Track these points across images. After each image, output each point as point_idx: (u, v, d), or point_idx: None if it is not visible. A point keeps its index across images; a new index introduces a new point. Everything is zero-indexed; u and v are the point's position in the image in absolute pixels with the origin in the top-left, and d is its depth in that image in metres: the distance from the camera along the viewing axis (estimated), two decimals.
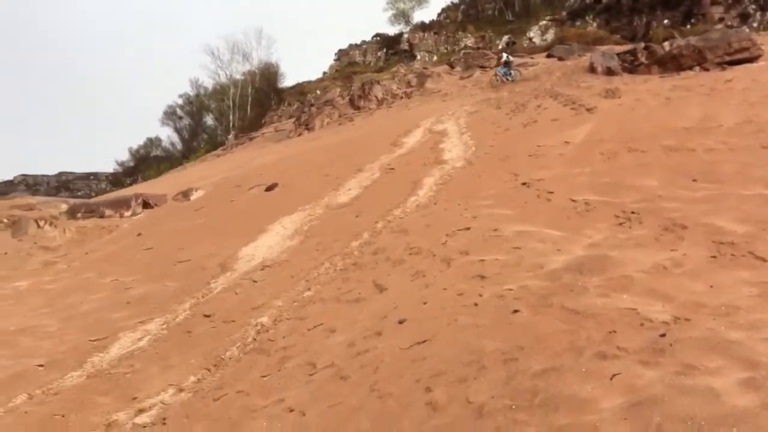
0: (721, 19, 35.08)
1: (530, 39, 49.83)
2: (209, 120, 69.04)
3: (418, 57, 53.87)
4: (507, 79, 29.60)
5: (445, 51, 53.38)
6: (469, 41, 53.44)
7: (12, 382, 7.77)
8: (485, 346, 5.31)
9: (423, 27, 59.97)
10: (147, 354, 8.18)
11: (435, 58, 52.24)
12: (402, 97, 34.78)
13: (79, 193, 65.31)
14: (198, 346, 8.03)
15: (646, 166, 10.99)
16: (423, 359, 5.53)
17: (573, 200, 9.77)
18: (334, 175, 17.33)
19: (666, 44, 23.39)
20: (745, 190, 8.65)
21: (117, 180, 69.96)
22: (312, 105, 39.77)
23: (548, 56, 35.77)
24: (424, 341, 5.87)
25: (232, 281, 10.52)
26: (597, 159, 12.19)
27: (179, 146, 69.49)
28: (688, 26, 35.56)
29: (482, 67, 35.90)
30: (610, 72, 23.96)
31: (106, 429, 6.26)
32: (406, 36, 58.66)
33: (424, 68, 41.35)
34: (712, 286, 5.74)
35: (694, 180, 9.62)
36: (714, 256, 6.56)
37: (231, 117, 59.41)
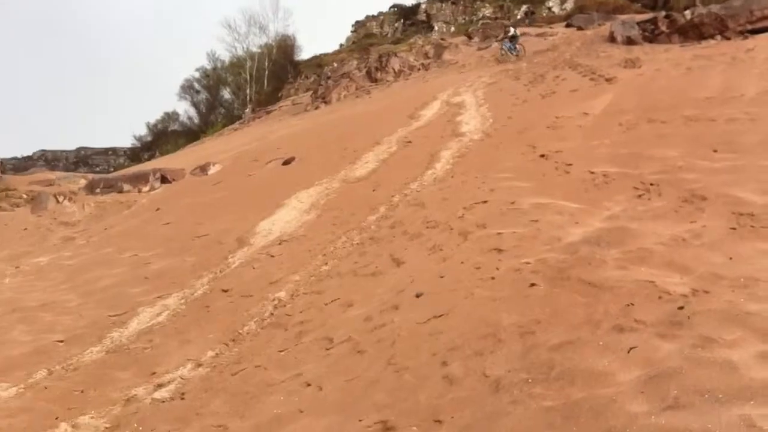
0: None
1: (549, 8, 49.20)
2: (226, 94, 68.90)
3: (436, 28, 53.38)
4: (512, 54, 29.16)
5: (463, 22, 52.86)
6: (488, 11, 52.87)
7: (32, 357, 7.88)
8: (502, 319, 5.29)
9: None
10: (165, 329, 8.25)
11: (453, 29, 51.76)
12: (419, 69, 34.58)
13: (98, 168, 65.53)
14: (216, 321, 8.09)
15: (666, 136, 10.86)
16: (440, 333, 5.52)
17: (591, 172, 9.68)
18: (351, 149, 17.27)
19: (687, 13, 23.07)
20: (766, 161, 8.52)
21: (135, 155, 70.09)
22: (329, 78, 39.62)
23: (567, 26, 35.40)
24: (441, 315, 5.87)
25: (249, 256, 10.56)
26: (616, 130, 12.06)
27: (196, 120, 69.40)
28: None
29: (498, 37, 35.58)
30: (630, 41, 23.68)
31: (125, 404, 6.32)
32: (423, 6, 58.10)
33: (442, 39, 41.06)
34: (731, 258, 5.68)
35: (715, 150, 9.49)
36: (733, 228, 6.49)
37: (248, 91, 59.28)
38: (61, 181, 22.79)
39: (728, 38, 20.86)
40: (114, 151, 77.69)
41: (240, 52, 62.57)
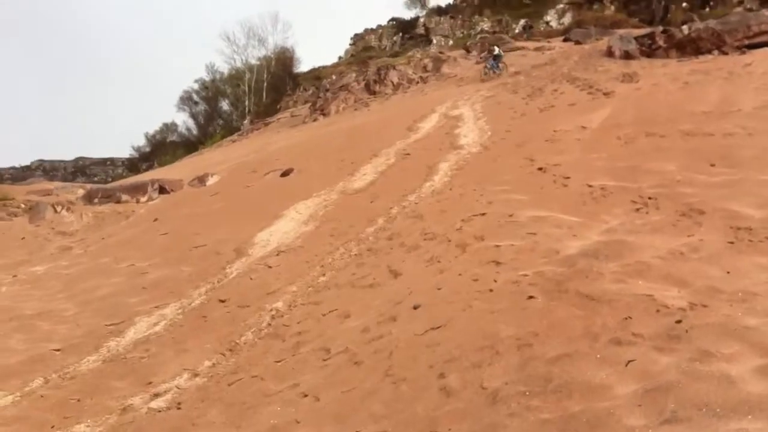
0: (740, 2, 34.77)
1: (547, 22, 49.51)
2: (225, 105, 69.13)
3: (434, 41, 53.64)
4: (495, 72, 29.26)
5: (462, 35, 53.14)
6: (486, 25, 53.16)
7: (28, 365, 7.86)
8: (500, 331, 5.29)
9: (439, 11, 59.72)
10: (162, 339, 8.24)
11: (451, 42, 52.04)
12: (418, 82, 34.69)
13: (96, 179, 65.64)
14: (213, 331, 8.08)
15: (664, 150, 10.90)
16: (437, 345, 5.52)
17: (589, 185, 9.70)
18: (350, 161, 17.30)
19: (684, 27, 23.21)
20: (763, 175, 8.56)
21: (133, 165, 70.18)
22: (327, 90, 39.69)
23: (565, 40, 35.65)
24: (439, 327, 5.87)
25: (247, 266, 10.55)
26: (614, 144, 12.10)
27: (195, 132, 69.56)
28: (707, 9, 35.26)
29: (482, 56, 35.71)
30: (627, 56, 23.79)
31: (121, 413, 6.31)
32: (422, 20, 58.44)
33: (440, 53, 41.22)
34: (729, 272, 5.69)
35: (712, 165, 9.53)
36: (731, 242, 6.51)
37: (247, 102, 59.46)
38: (59, 190, 22.76)
39: (725, 53, 20.98)
40: (112, 161, 77.79)
41: (239, 64, 62.80)
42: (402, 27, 61.23)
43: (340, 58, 62.85)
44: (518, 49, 35.66)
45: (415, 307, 6.62)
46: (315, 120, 35.13)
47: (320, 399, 5.40)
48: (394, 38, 60.96)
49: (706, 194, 8.17)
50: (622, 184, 9.48)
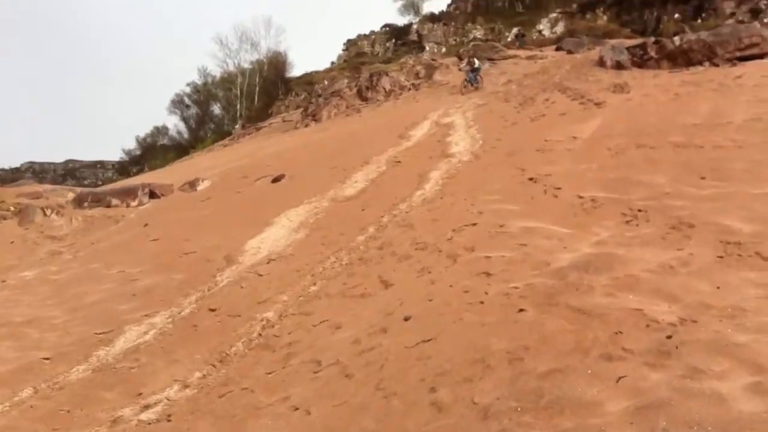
0: (732, 15, 34.93)
1: (540, 31, 49.67)
2: (216, 109, 69.10)
3: (427, 48, 53.69)
4: (473, 86, 29.03)
5: (455, 43, 53.22)
6: (479, 33, 53.28)
7: (18, 375, 7.81)
8: (491, 345, 5.30)
9: (432, 18, 59.76)
10: (152, 348, 8.20)
11: (444, 49, 52.10)
12: (410, 89, 34.71)
13: (86, 182, 65.49)
14: (203, 341, 8.05)
15: (655, 162, 10.94)
16: (428, 358, 5.52)
17: (580, 196, 9.73)
18: (341, 167, 17.30)
19: (676, 39, 23.29)
20: (753, 188, 8.60)
21: (123, 168, 70.05)
22: (319, 95, 39.72)
23: (557, 49, 35.74)
24: (430, 339, 5.87)
25: (237, 274, 10.52)
26: (605, 155, 12.14)
27: (186, 135, 69.47)
28: (699, 21, 35.42)
29: (491, 59, 35.71)
30: (619, 66, 23.86)
31: (111, 425, 6.27)
32: (415, 27, 58.49)
33: (433, 60, 41.29)
34: (718, 287, 5.72)
35: (703, 178, 9.57)
36: (721, 256, 6.53)
37: (238, 106, 59.43)
38: (48, 193, 22.62)
39: (717, 65, 21.07)
40: (102, 164, 77.60)
41: (231, 68, 62.72)
42: (395, 33, 61.31)
43: (332, 63, 62.84)
44: (510, 57, 35.76)
45: (406, 319, 6.61)
46: (307, 125, 35.10)
47: (311, 413, 5.38)
48: (387, 44, 61.04)
49: (696, 207, 8.20)
50: (612, 195, 9.52)
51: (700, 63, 21.61)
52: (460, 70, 32.50)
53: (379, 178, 15.37)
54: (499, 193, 11.02)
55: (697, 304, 5.37)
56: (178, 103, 70.68)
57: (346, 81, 40.33)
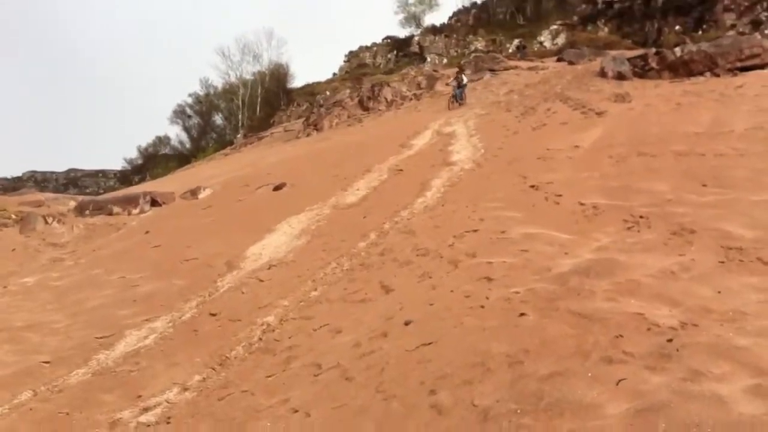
0: (732, 26, 35.00)
1: (541, 43, 49.83)
2: (218, 119, 69.38)
3: (428, 60, 53.88)
4: (458, 102, 28.60)
5: (456, 54, 53.39)
6: (480, 45, 53.45)
7: (18, 378, 7.79)
8: (491, 348, 5.28)
9: (434, 30, 59.99)
10: (152, 352, 8.18)
11: (445, 60, 52.26)
12: (411, 99, 34.79)
13: (88, 190, 65.58)
14: (204, 345, 8.04)
15: (656, 170, 10.94)
16: (428, 361, 5.50)
17: (581, 203, 9.74)
18: (342, 176, 17.33)
19: (677, 50, 23.31)
20: (754, 195, 8.60)
21: (125, 177, 70.21)
22: (321, 106, 39.79)
23: (558, 60, 35.84)
24: (430, 343, 5.85)
25: (238, 280, 10.52)
26: (606, 163, 12.15)
27: (188, 145, 69.75)
28: (700, 32, 35.49)
29: (492, 70, 35.78)
30: (620, 76, 23.90)
31: (110, 427, 6.26)
32: (416, 39, 58.71)
33: (434, 70, 41.39)
34: (719, 292, 5.71)
35: (704, 185, 9.58)
36: (722, 262, 6.53)
37: (240, 116, 59.62)
38: (50, 202, 22.65)
39: (717, 75, 21.11)
40: (104, 173, 77.73)
41: (233, 79, 62.97)
42: (396, 45, 61.55)
43: (334, 74, 63.13)
44: (512, 68, 35.85)
45: (406, 323, 6.60)
46: (308, 135, 35.19)
47: (311, 415, 5.36)
48: (389, 56, 61.26)
49: (698, 214, 8.19)
50: (613, 202, 9.52)
51: (701, 73, 21.64)
52: (447, 84, 32.23)
53: (380, 186, 15.39)
54: (501, 201, 11.02)
55: (698, 308, 5.36)
56: (180, 113, 71.00)
57: (347, 91, 40.40)
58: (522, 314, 5.80)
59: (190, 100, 70.66)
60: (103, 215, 20.04)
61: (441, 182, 13.97)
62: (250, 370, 6.92)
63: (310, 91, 54.86)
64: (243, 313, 8.83)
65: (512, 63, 37.70)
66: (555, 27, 50.68)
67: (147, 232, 16.72)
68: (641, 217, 8.53)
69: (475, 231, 9.37)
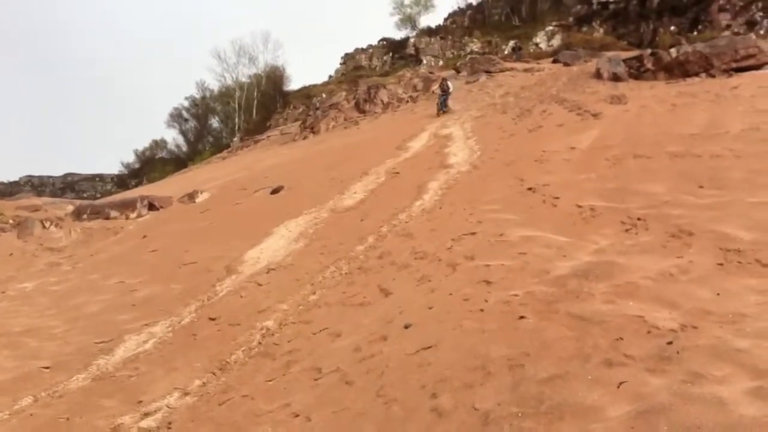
0: (728, 26, 35.02)
1: (536, 44, 49.81)
2: (215, 122, 69.33)
3: (424, 61, 53.85)
4: (443, 111, 27.76)
5: (452, 56, 53.40)
6: (476, 46, 53.44)
7: (18, 383, 7.80)
8: (491, 351, 5.29)
9: (429, 32, 59.94)
10: (152, 357, 8.19)
11: (441, 62, 52.27)
12: (407, 101, 34.81)
13: (85, 195, 65.45)
14: (203, 350, 8.04)
15: (652, 172, 10.96)
16: (428, 364, 5.51)
17: (579, 206, 9.75)
18: (340, 179, 17.35)
19: (672, 50, 23.35)
20: (751, 197, 8.62)
21: (122, 181, 70.11)
22: (317, 108, 39.78)
23: (554, 61, 35.82)
24: (430, 346, 5.86)
25: (237, 284, 10.52)
26: (603, 165, 12.16)
27: (184, 148, 69.70)
28: (695, 33, 35.50)
29: (488, 72, 35.80)
30: (616, 78, 23.93)
31: None
32: (412, 40, 58.65)
33: (430, 72, 41.42)
34: (718, 294, 5.72)
35: (701, 186, 9.59)
36: (721, 264, 6.54)
37: (236, 120, 59.58)
38: (47, 206, 22.66)
39: (713, 76, 21.14)
40: (101, 177, 77.60)
41: (229, 82, 62.94)
42: (392, 47, 61.47)
43: (330, 77, 63.03)
44: (508, 70, 35.85)
45: (406, 327, 6.61)
46: (305, 138, 35.20)
47: (311, 419, 5.38)
48: (384, 58, 61.19)
49: (695, 216, 8.21)
50: (611, 204, 9.53)
51: (697, 74, 21.68)
52: (433, 92, 31.95)
53: (378, 189, 15.39)
54: (498, 203, 11.03)
55: (697, 310, 5.37)
56: (176, 117, 70.96)
57: (344, 94, 40.40)
58: (521, 317, 5.81)
59: (186, 104, 70.71)
60: (100, 219, 20.06)
61: (438, 185, 13.98)
62: (250, 375, 6.93)
63: (307, 93, 54.80)
64: (242, 318, 8.84)
65: (508, 65, 37.69)
66: (550, 28, 50.67)
67: (145, 237, 16.72)
68: (639, 219, 8.55)
69: (473, 234, 9.38)
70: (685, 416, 3.73)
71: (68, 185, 75.93)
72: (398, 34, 63.62)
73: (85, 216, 20.50)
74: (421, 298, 7.40)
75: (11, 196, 33.34)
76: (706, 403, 3.84)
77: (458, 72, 38.79)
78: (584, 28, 47.36)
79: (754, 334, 4.71)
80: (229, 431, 5.72)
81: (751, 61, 21.23)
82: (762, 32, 32.84)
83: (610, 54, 30.47)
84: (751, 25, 34.55)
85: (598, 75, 25.01)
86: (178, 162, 60.89)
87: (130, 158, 75.85)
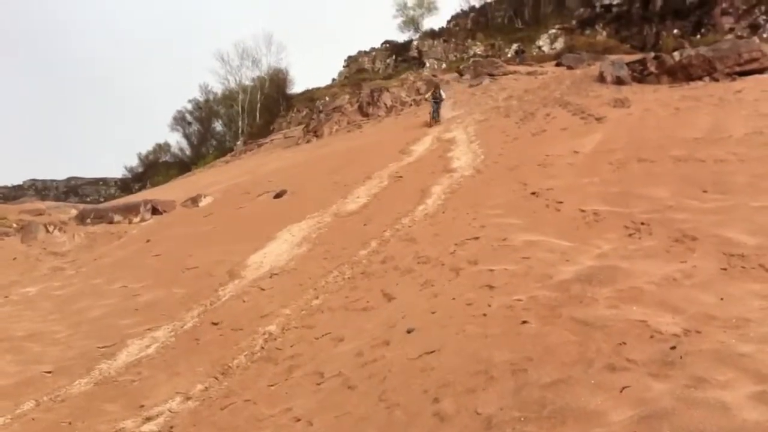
0: (731, 30, 34.99)
1: (539, 47, 49.80)
2: (218, 126, 69.30)
3: (427, 64, 53.82)
4: (434, 119, 26.85)
5: (455, 59, 53.37)
6: (479, 49, 53.43)
7: (20, 388, 7.80)
8: (494, 356, 5.29)
9: (432, 34, 59.93)
10: (154, 361, 8.19)
11: (444, 65, 52.25)
12: (411, 105, 34.82)
13: (88, 199, 65.45)
14: (205, 354, 8.04)
15: (656, 176, 10.95)
16: (431, 369, 5.51)
17: (582, 210, 9.74)
18: (343, 183, 17.35)
19: (676, 54, 23.32)
20: (755, 201, 8.60)
21: (126, 185, 70.15)
22: (321, 112, 39.78)
23: (557, 65, 35.80)
24: (433, 351, 5.85)
25: (240, 289, 10.52)
26: (606, 169, 12.15)
27: (188, 152, 69.70)
28: (698, 36, 35.50)
29: (491, 75, 35.80)
30: (619, 81, 23.90)
31: None
32: (415, 43, 58.62)
33: (433, 75, 41.39)
34: (722, 299, 5.71)
35: (705, 191, 9.58)
36: (724, 268, 6.53)
37: (240, 123, 59.60)
38: (51, 210, 22.69)
39: (716, 80, 21.10)
40: (105, 181, 77.68)
41: (233, 85, 63.00)
42: (395, 50, 61.46)
43: (333, 80, 63.05)
44: (511, 73, 35.85)
45: (408, 331, 6.61)
46: (308, 142, 35.20)
47: (313, 424, 5.37)
48: (388, 61, 61.17)
49: (699, 220, 8.20)
50: (614, 209, 9.53)
51: (700, 78, 21.64)
52: (426, 100, 31.49)
53: (381, 193, 15.39)
54: (501, 208, 11.03)
55: (701, 315, 5.35)
56: (180, 120, 71.00)
57: (347, 97, 40.40)
58: (524, 322, 5.81)
59: (189, 107, 70.77)
60: (104, 224, 20.07)
61: (441, 189, 13.97)
62: (252, 380, 6.93)
63: (310, 96, 54.81)
64: (245, 322, 8.84)
65: (511, 68, 37.67)
66: (553, 31, 50.65)
67: (148, 241, 16.73)
68: (642, 223, 8.54)
69: (477, 238, 9.37)
70: (688, 421, 3.72)
71: (72, 189, 75.99)
72: (401, 37, 63.67)
73: (88, 220, 20.52)
74: (424, 303, 7.40)
75: (15, 200, 33.43)
76: (710, 407, 3.82)
77: (461, 75, 38.78)
78: (587, 31, 47.35)
79: (757, 339, 4.70)
80: None
81: (754, 65, 21.19)
82: (765, 36, 32.81)
83: (613, 57, 30.47)
84: (755, 28, 34.53)
85: (601, 78, 24.98)
86: (182, 166, 60.91)
87: (134, 162, 76.00)
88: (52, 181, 78.61)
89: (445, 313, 6.73)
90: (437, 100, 27.43)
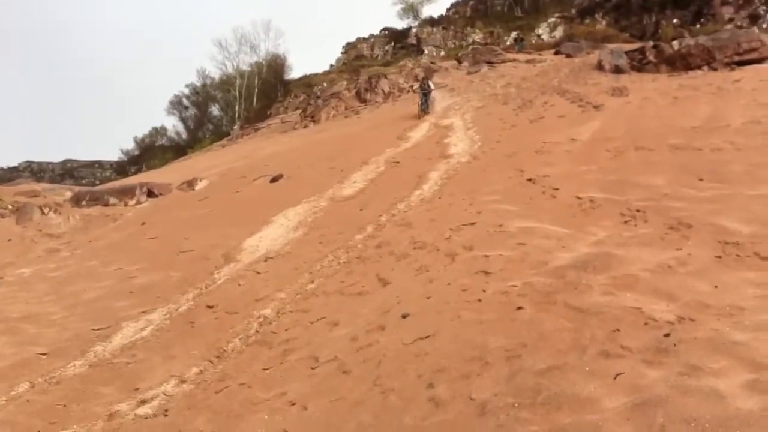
0: (731, 20, 34.91)
1: (539, 35, 49.74)
2: (215, 110, 69.18)
3: (426, 52, 53.69)
4: (424, 111, 25.83)
5: (453, 46, 53.28)
6: (478, 37, 53.34)
7: (15, 369, 7.80)
8: (488, 342, 5.28)
9: (431, 22, 59.82)
10: (149, 344, 8.19)
11: (443, 53, 52.15)
12: (408, 91, 34.73)
13: (84, 181, 65.39)
14: (200, 337, 8.04)
15: (653, 164, 10.94)
16: (426, 354, 5.51)
17: (578, 197, 9.74)
18: (339, 168, 17.33)
19: (675, 43, 23.24)
20: (751, 190, 8.60)
21: (122, 168, 70.03)
22: (318, 97, 39.74)
23: (556, 53, 35.75)
24: (427, 336, 5.85)
25: (235, 272, 10.52)
26: (603, 157, 12.14)
27: (184, 136, 69.58)
28: (698, 26, 35.42)
29: (490, 62, 35.73)
30: (618, 70, 23.83)
31: (107, 419, 6.26)
32: (414, 30, 58.52)
33: (432, 63, 41.31)
34: (716, 287, 5.71)
35: (701, 179, 9.58)
36: (719, 256, 6.53)
37: (237, 108, 59.46)
38: (46, 192, 22.60)
39: (715, 69, 21.03)
40: (100, 164, 77.54)
41: (230, 70, 62.79)
42: (394, 37, 61.33)
43: (331, 66, 62.99)
44: (509, 61, 35.80)
45: (403, 316, 6.60)
46: (305, 127, 35.15)
47: (308, 408, 5.37)
48: (386, 48, 61.05)
49: (695, 208, 8.20)
50: (610, 196, 9.52)
51: (699, 67, 21.57)
52: (414, 91, 31.05)
53: (377, 179, 15.38)
54: (498, 194, 11.01)
55: (695, 303, 5.36)
56: (176, 104, 70.84)
57: (345, 83, 40.36)
58: (519, 308, 5.80)
59: (187, 91, 70.55)
60: (99, 206, 20.02)
61: (438, 175, 13.96)
62: (247, 363, 6.93)
63: (308, 82, 54.68)
64: (240, 306, 8.83)
65: (510, 56, 37.62)
66: (553, 19, 50.58)
67: (143, 224, 16.71)
68: (638, 211, 8.54)
69: (473, 224, 9.36)
70: (681, 408, 3.73)
71: (67, 171, 75.86)
72: (400, 24, 63.56)
73: (84, 202, 20.46)
74: (420, 288, 7.40)
75: (10, 182, 33.31)
76: (703, 395, 3.83)
77: (460, 62, 38.73)
78: (587, 20, 47.27)
79: (751, 327, 4.71)
80: (226, 419, 5.72)
81: (753, 55, 21.13)
82: (765, 26, 32.75)
83: (612, 46, 30.37)
84: (754, 18, 34.45)
85: (600, 67, 24.90)
86: (178, 149, 60.76)
87: (130, 145, 75.82)
88: (48, 163, 78.50)
89: (440, 299, 6.73)
90: (425, 92, 26.64)
